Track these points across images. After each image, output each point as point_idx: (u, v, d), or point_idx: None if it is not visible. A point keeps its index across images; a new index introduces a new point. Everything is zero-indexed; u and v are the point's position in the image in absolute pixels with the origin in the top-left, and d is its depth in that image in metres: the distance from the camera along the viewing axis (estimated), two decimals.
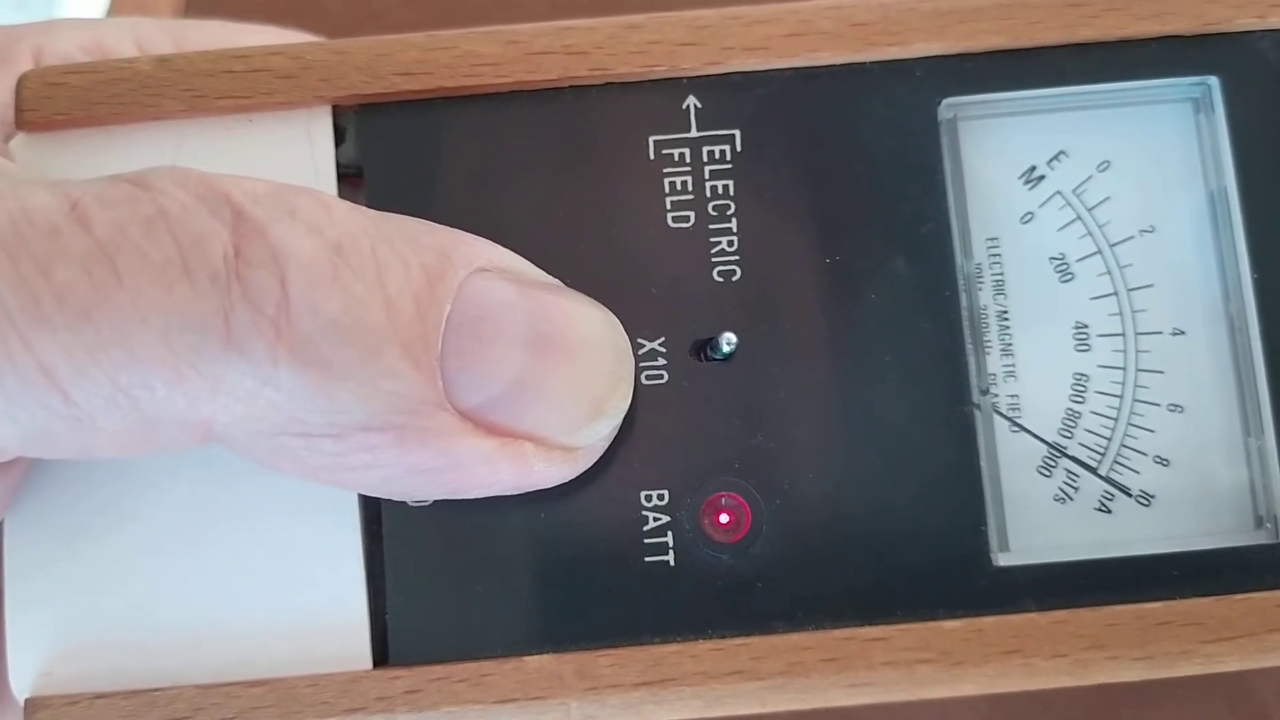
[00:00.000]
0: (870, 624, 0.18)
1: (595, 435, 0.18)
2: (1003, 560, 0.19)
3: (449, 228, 0.18)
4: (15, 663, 0.18)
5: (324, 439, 0.16)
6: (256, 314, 0.15)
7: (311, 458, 0.16)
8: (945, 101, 0.19)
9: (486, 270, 0.17)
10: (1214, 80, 0.19)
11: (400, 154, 0.19)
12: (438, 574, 0.19)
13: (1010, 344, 0.20)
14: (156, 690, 0.18)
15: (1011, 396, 0.20)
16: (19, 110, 0.19)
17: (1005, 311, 0.20)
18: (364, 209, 0.17)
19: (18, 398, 0.15)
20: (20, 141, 0.19)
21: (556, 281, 0.18)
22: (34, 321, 0.15)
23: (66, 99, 0.19)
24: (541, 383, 0.17)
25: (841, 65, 0.19)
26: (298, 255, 0.16)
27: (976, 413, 0.19)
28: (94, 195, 0.16)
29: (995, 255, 0.20)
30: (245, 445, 0.16)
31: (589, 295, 0.18)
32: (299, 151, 0.19)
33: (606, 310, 0.18)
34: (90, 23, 0.22)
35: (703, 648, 0.18)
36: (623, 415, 0.18)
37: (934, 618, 0.18)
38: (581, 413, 0.17)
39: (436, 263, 0.17)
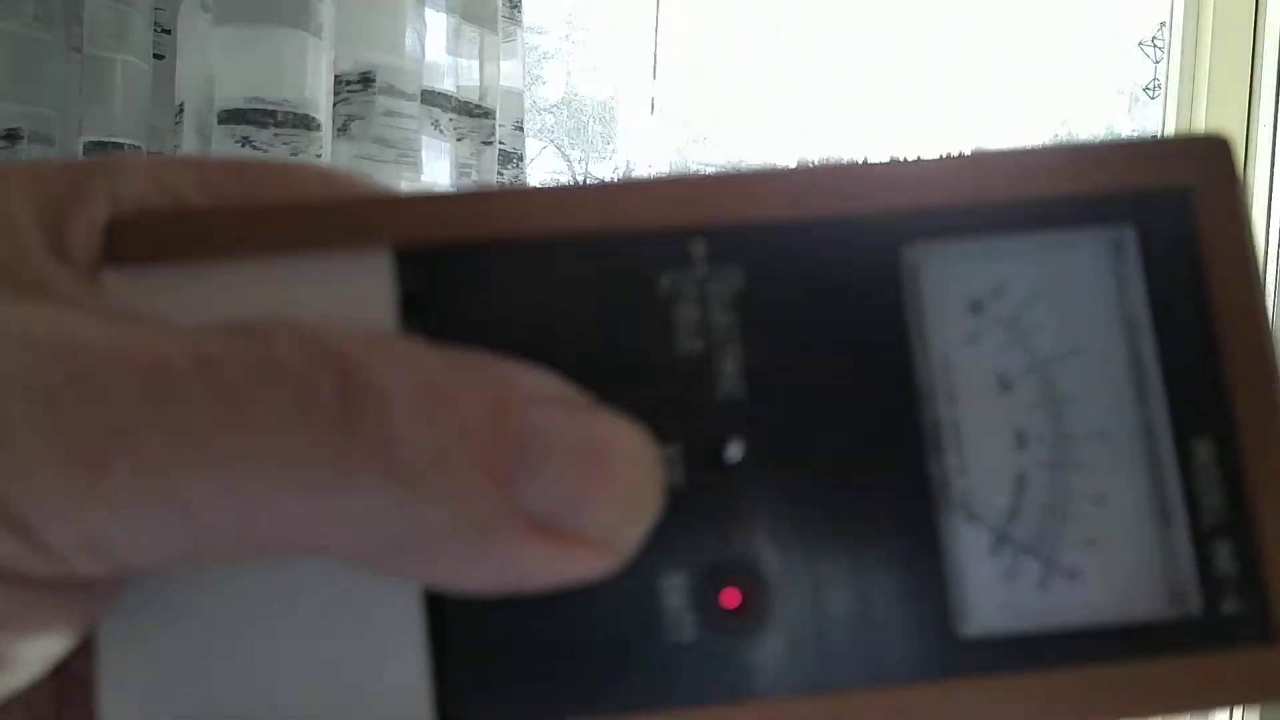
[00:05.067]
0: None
1: (633, 534, 0.21)
2: (965, 631, 0.22)
3: (504, 360, 0.21)
4: None
5: (414, 550, 0.19)
6: (366, 450, 0.19)
7: (399, 566, 0.20)
8: (906, 246, 0.23)
9: (539, 397, 0.21)
10: (1130, 231, 0.24)
11: (449, 292, 0.23)
12: (495, 655, 0.22)
13: (961, 446, 0.24)
14: None
15: (964, 491, 0.23)
16: (110, 250, 0.22)
17: (956, 420, 0.24)
18: (440, 349, 0.20)
19: (158, 526, 0.18)
20: (110, 276, 0.22)
21: (590, 403, 0.22)
22: (176, 462, 0.18)
23: (153, 241, 0.22)
24: (590, 493, 0.20)
25: (828, 218, 0.23)
26: (398, 396, 0.19)
27: (937, 507, 0.23)
28: (222, 348, 0.19)
29: (945, 371, 0.24)
30: (339, 555, 0.20)
31: (615, 412, 0.22)
32: (365, 288, 0.23)
33: (636, 427, 0.22)
34: (157, 163, 0.25)
35: (717, 713, 0.22)
36: (654, 516, 0.21)
37: (913, 683, 0.22)
38: (623, 516, 0.21)
39: (502, 393, 0.20)
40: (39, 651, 0.20)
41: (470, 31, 1.41)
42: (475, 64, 1.42)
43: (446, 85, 1.39)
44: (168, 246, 0.22)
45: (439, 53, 1.38)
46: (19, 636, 0.20)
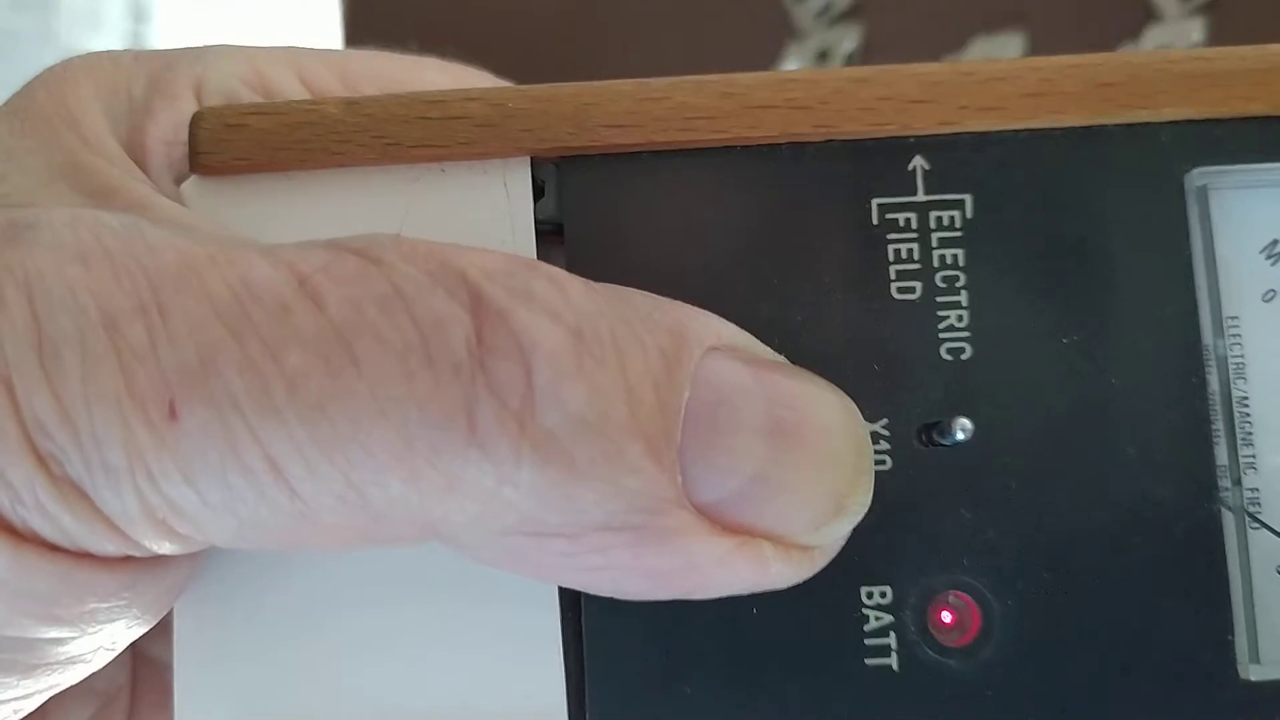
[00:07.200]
0: None
1: (835, 534, 0.16)
2: (1252, 674, 0.17)
3: (674, 301, 0.16)
4: None
5: (557, 539, 0.15)
6: (501, 408, 0.14)
7: (541, 558, 0.15)
8: (1195, 170, 0.18)
9: (718, 349, 0.16)
10: None
11: (603, 211, 0.18)
12: (642, 670, 0.17)
13: (1250, 433, 0.18)
14: None
15: (1251, 490, 0.18)
16: (194, 152, 0.18)
17: (1245, 398, 0.18)
18: (593, 285, 0.16)
19: (240, 492, 0.14)
20: (194, 185, 0.18)
21: (785, 360, 0.17)
22: (263, 410, 0.14)
23: (247, 142, 0.18)
24: (782, 476, 0.15)
25: (1083, 128, 0.18)
26: (542, 344, 0.14)
27: (1224, 510, 0.18)
28: (322, 269, 0.14)
29: (1235, 336, 0.18)
30: (472, 545, 0.15)
31: (812, 372, 0.17)
32: (495, 205, 0.18)
33: (842, 394, 0.17)
34: (248, 52, 0.21)
35: None
36: (864, 511, 0.16)
37: None
38: (823, 509, 0.16)
39: (672, 345, 0.15)
40: (100, 641, 0.16)
41: None
42: None
43: None
44: (260, 149, 0.18)
45: None
46: (78, 627, 0.16)
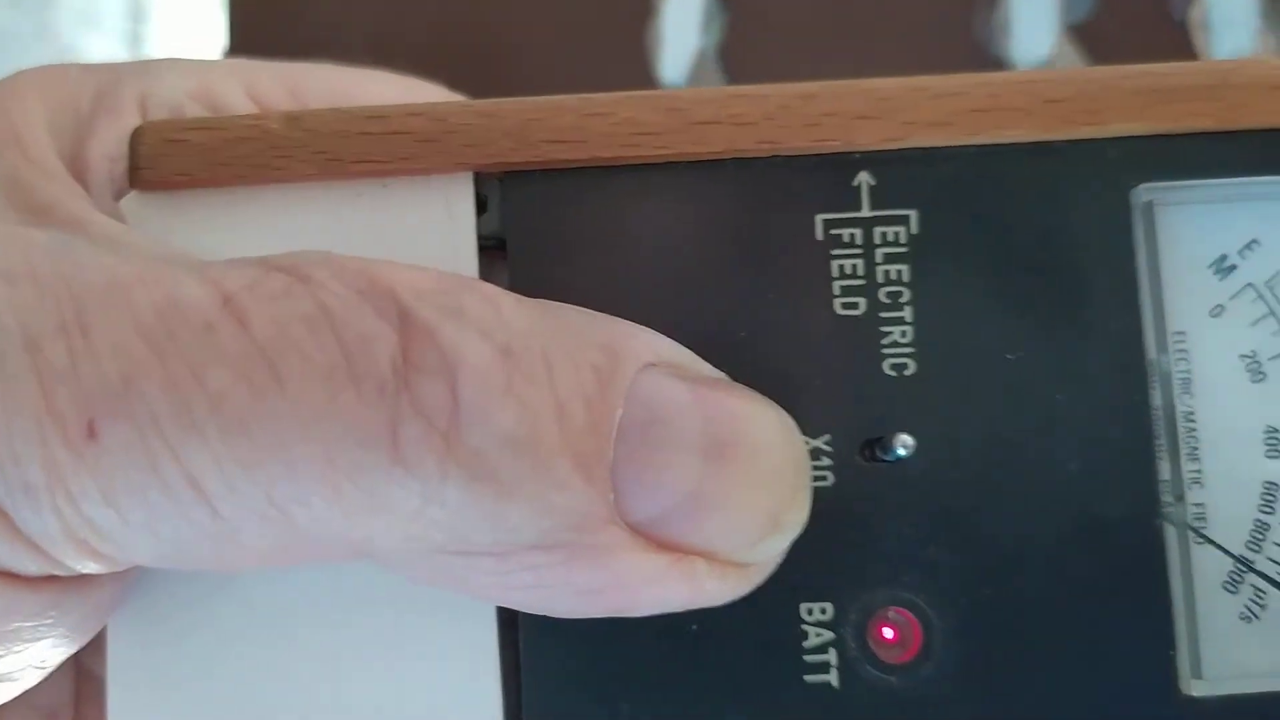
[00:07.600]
0: None
1: (771, 551, 0.16)
2: (1195, 690, 0.17)
3: (612, 317, 0.16)
4: None
5: (487, 558, 0.15)
6: (427, 427, 0.14)
7: (471, 577, 0.15)
8: (1141, 186, 0.18)
9: (654, 365, 0.16)
10: None
11: (546, 227, 0.18)
12: (579, 687, 0.17)
13: (1196, 449, 0.18)
14: None
15: (1197, 506, 0.18)
16: (134, 167, 0.18)
17: (1191, 413, 0.18)
18: (527, 301, 0.16)
19: (161, 511, 0.14)
20: (133, 200, 0.18)
21: (724, 376, 0.17)
22: (184, 429, 0.14)
23: (187, 158, 0.18)
24: (717, 494, 0.15)
25: (1030, 144, 0.18)
26: (470, 361, 0.14)
27: (1167, 525, 0.18)
28: (248, 288, 0.14)
29: (1182, 351, 0.18)
30: (400, 563, 0.15)
31: (753, 389, 0.17)
32: (437, 221, 0.18)
33: (781, 410, 0.17)
34: (195, 66, 0.21)
35: None
36: (801, 529, 0.16)
37: None
38: (759, 527, 0.16)
39: (606, 361, 0.15)
40: (28, 660, 0.16)
41: None
42: None
43: None
44: (200, 164, 0.18)
45: None
46: (3, 646, 0.15)
